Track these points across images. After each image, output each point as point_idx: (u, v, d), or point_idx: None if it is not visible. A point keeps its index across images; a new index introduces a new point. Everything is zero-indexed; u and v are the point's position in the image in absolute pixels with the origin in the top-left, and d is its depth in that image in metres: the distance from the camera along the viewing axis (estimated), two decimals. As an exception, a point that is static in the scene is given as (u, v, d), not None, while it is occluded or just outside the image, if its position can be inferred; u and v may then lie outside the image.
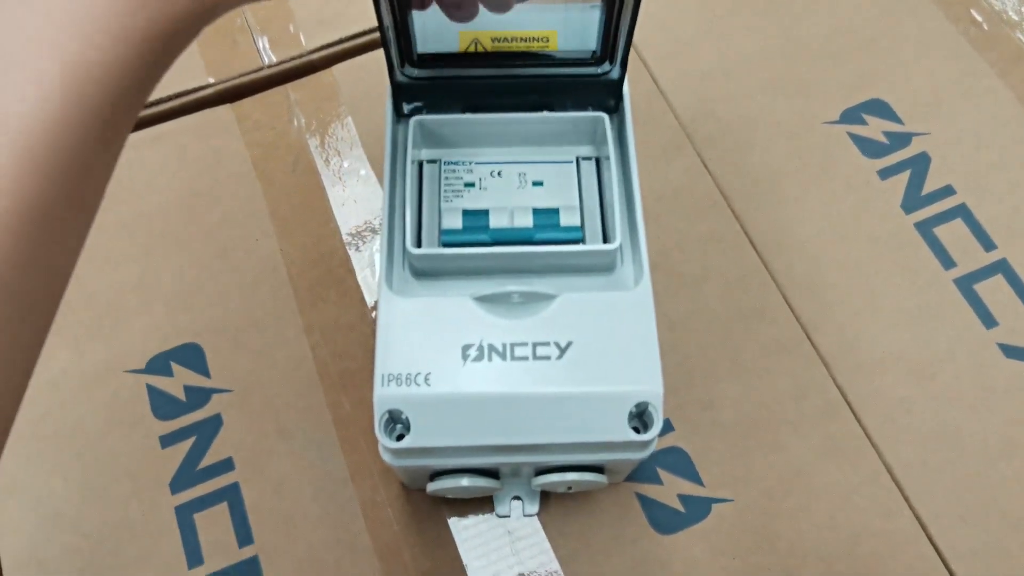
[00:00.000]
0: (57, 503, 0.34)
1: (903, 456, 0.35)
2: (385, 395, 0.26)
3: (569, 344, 0.27)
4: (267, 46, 0.45)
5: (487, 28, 0.31)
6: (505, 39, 0.30)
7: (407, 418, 0.26)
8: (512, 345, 0.27)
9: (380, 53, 0.45)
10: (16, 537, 0.33)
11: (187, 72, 0.44)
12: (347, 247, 0.40)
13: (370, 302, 0.38)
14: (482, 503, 0.34)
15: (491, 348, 0.27)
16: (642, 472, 0.34)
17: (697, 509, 0.34)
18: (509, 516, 0.33)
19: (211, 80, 0.44)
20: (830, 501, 0.34)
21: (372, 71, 0.44)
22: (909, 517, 0.34)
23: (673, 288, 0.38)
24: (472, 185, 0.31)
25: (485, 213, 0.30)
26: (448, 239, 0.29)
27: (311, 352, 0.37)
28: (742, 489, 0.34)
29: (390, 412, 0.26)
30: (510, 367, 0.27)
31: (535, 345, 0.27)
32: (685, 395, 0.36)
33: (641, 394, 0.26)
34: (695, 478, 0.34)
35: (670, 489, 0.34)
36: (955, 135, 0.42)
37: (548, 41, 0.31)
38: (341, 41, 0.45)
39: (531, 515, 0.33)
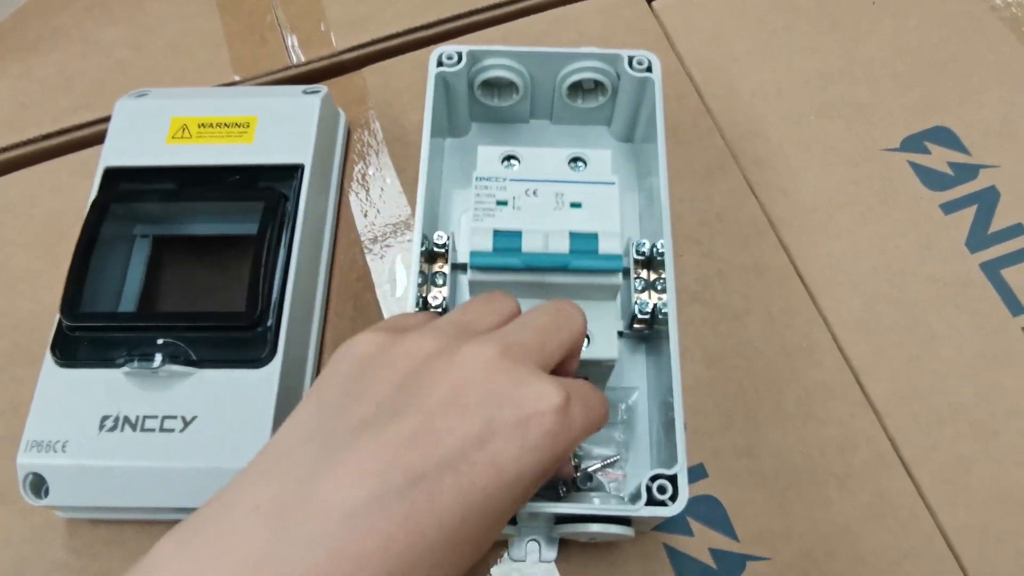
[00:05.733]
0: (48, 517, 0.32)
1: (960, 520, 0.31)
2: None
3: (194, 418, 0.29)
4: (296, 45, 0.43)
5: None
6: None
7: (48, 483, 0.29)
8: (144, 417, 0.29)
9: (413, 56, 0.43)
10: (4, 551, 0.31)
11: (213, 68, 0.43)
12: (367, 258, 0.38)
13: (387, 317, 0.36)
14: (495, 544, 0.31)
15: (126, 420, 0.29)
16: (672, 522, 0.31)
17: (730, 566, 0.31)
18: (524, 560, 0.31)
19: (236, 77, 0.42)
20: (877, 567, 0.31)
21: (404, 74, 0.42)
22: (965, 589, 0.31)
23: (712, 321, 0.36)
24: (505, 203, 0.28)
25: (518, 235, 0.27)
26: (477, 261, 0.27)
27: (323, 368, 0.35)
28: (780, 547, 0.31)
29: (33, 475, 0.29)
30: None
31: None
32: (721, 439, 0.33)
33: None
34: (729, 531, 0.31)
35: (701, 542, 0.31)
36: (1028, 170, 0.39)
37: None
38: (373, 43, 0.43)
39: (548, 561, 0.31)
